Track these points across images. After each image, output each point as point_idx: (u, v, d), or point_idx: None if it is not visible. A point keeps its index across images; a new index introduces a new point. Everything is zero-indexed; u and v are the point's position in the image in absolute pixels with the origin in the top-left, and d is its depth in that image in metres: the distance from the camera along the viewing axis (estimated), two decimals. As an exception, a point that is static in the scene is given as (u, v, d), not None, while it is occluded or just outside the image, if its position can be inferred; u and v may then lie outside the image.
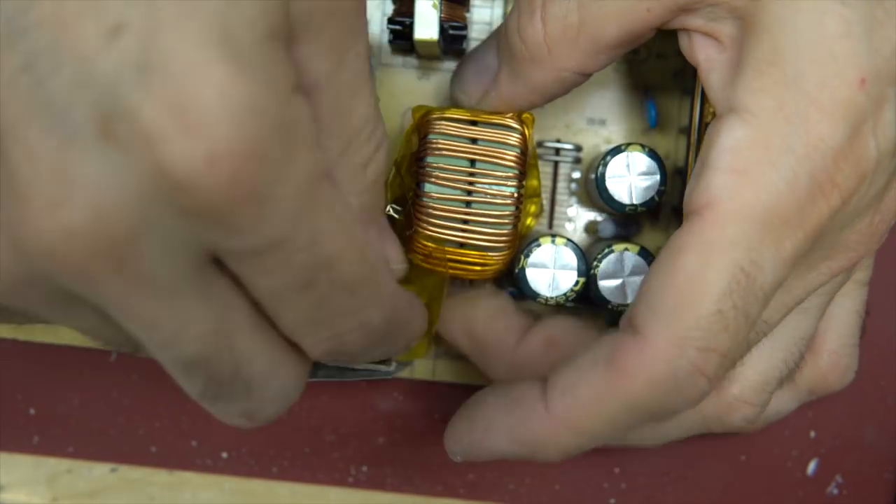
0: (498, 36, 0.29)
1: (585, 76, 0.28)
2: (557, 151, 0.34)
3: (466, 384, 0.36)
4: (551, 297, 0.31)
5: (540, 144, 0.34)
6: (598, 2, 0.26)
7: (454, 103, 0.30)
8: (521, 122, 0.29)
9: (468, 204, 0.29)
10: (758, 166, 0.23)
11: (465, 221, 0.29)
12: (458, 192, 0.29)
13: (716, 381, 0.24)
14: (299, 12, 0.21)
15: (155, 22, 0.18)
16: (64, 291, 0.20)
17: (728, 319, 0.23)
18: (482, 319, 0.31)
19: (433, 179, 0.29)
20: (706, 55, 0.26)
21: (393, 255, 0.27)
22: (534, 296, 0.31)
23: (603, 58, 0.27)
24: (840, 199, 0.23)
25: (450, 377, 0.36)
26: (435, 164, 0.29)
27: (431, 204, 0.29)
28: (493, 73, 0.29)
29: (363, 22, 0.24)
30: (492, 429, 0.27)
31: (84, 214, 0.19)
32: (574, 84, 0.28)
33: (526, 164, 0.29)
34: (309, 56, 0.22)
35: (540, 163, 0.34)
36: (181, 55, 0.18)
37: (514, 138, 0.29)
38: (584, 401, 0.25)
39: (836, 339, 0.30)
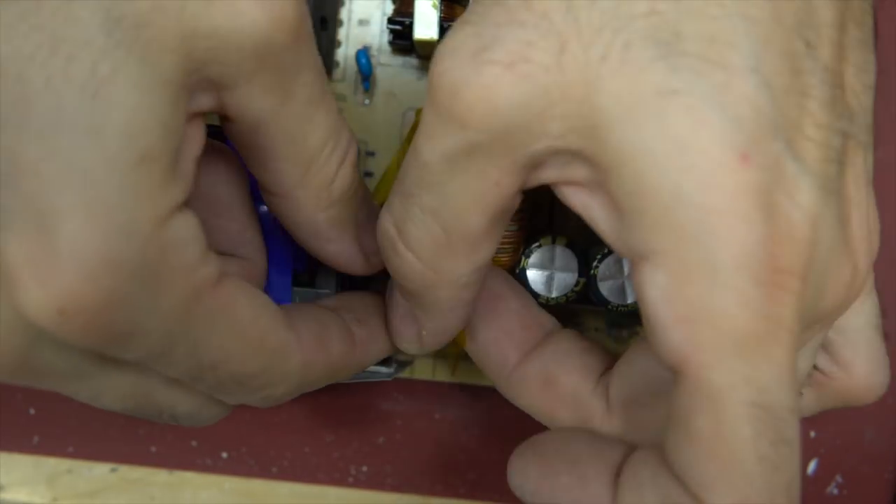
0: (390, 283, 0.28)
1: (485, 265, 0.25)
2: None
3: (466, 384, 0.36)
4: (552, 298, 0.31)
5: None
6: (447, 203, 0.23)
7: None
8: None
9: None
10: (699, 302, 0.20)
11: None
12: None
13: None
14: (221, 73, 0.21)
15: (16, 167, 0.19)
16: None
17: (774, 457, 0.21)
18: (486, 326, 0.29)
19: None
20: (580, 202, 0.22)
21: (363, 254, 0.27)
22: (534, 296, 0.31)
23: (487, 244, 0.24)
24: (800, 278, 0.21)
25: (450, 377, 0.36)
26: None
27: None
28: (412, 314, 0.27)
29: (306, 54, 0.23)
30: (557, 490, 0.26)
31: None
32: (482, 275, 0.25)
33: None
34: (248, 98, 0.22)
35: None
36: (40, 202, 0.19)
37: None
38: None
39: (865, 363, 0.28)
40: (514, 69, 0.20)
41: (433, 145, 0.22)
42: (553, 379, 0.28)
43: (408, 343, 0.28)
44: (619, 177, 0.21)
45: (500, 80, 0.21)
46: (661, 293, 0.21)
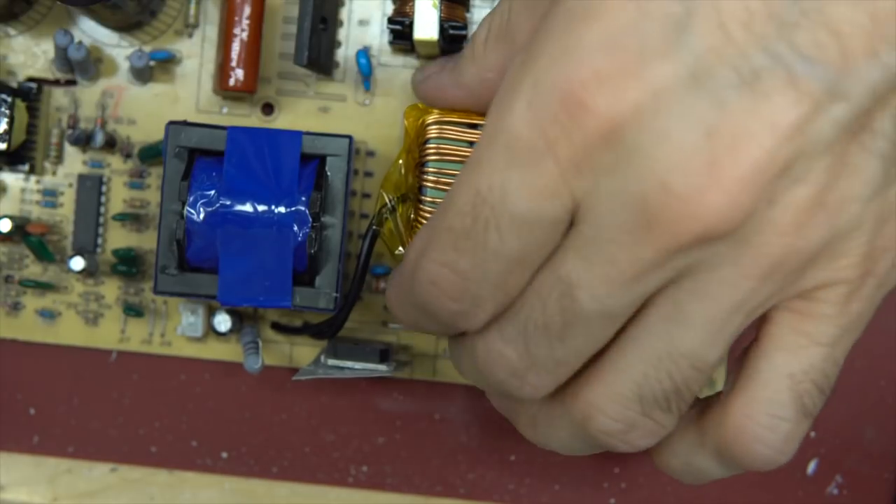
0: None
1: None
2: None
3: (466, 384, 0.36)
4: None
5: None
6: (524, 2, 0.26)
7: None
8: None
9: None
10: (504, 92, 0.24)
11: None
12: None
13: (458, 298, 0.24)
14: None
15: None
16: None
17: (458, 238, 0.24)
18: None
19: (435, 184, 0.29)
20: None
21: None
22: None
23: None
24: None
25: (450, 377, 0.36)
26: (436, 170, 0.29)
27: (434, 209, 0.29)
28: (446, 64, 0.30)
29: None
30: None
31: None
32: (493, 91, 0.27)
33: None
34: None
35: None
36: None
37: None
38: None
39: (750, 402, 0.25)
40: None
41: None
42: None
43: (416, 71, 0.32)
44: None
45: None
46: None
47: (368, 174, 0.35)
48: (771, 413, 0.25)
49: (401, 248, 0.30)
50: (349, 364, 0.33)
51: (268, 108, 0.35)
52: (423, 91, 0.30)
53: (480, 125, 0.29)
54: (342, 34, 0.35)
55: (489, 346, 0.25)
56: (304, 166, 0.30)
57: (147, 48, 0.35)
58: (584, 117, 0.22)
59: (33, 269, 0.36)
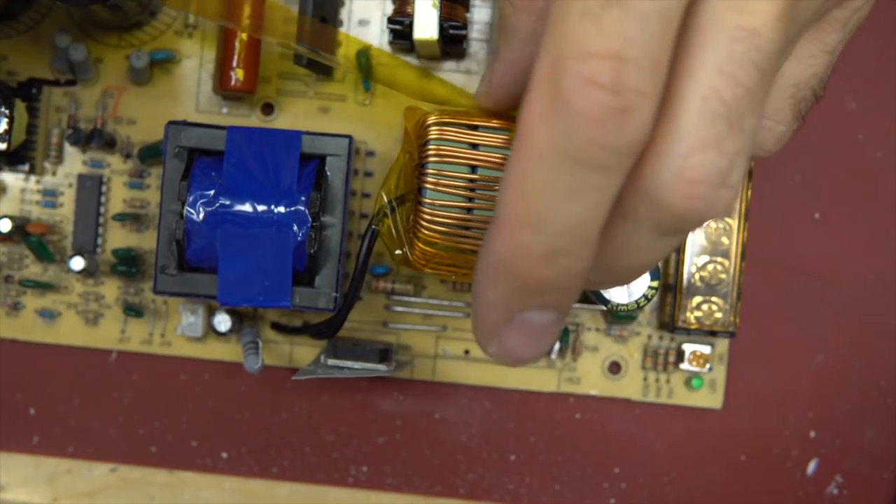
0: None
1: None
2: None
3: (466, 384, 0.36)
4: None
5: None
6: None
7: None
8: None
9: (470, 210, 0.29)
10: None
11: (467, 227, 0.29)
12: (460, 198, 0.29)
13: (625, 93, 0.19)
14: None
15: None
16: None
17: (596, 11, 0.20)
18: None
19: (434, 186, 0.29)
20: None
21: None
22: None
23: None
24: None
25: (450, 377, 0.36)
26: (436, 171, 0.29)
27: (433, 210, 0.29)
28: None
29: None
30: None
31: None
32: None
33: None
34: None
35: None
36: None
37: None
38: None
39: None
40: None
41: None
42: None
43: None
44: None
45: None
46: None
47: (368, 174, 0.35)
48: (772, 118, 0.27)
49: (399, 251, 0.30)
50: (349, 364, 0.33)
51: (268, 108, 0.35)
52: (481, 96, 0.29)
53: (480, 126, 0.29)
54: (342, 34, 0.35)
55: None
56: (303, 166, 0.30)
57: (147, 48, 0.35)
58: None
59: (33, 269, 0.36)
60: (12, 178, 0.36)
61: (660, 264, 0.31)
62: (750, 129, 0.20)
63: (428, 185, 0.29)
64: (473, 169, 0.29)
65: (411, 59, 0.35)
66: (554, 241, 0.20)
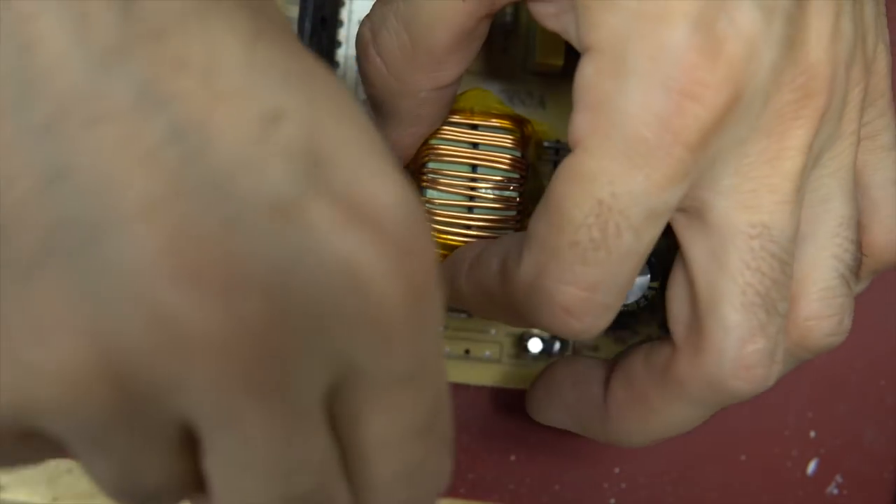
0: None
1: (447, 87, 0.27)
2: (557, 151, 0.34)
3: (466, 384, 0.36)
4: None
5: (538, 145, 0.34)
6: (417, 14, 0.25)
7: None
8: (523, 125, 0.29)
9: (470, 209, 0.29)
10: (608, 98, 0.22)
11: (468, 227, 0.29)
12: (461, 197, 0.29)
13: (586, 318, 0.23)
14: None
15: (314, 114, 0.17)
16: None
17: (586, 251, 0.22)
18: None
19: (435, 185, 0.29)
20: (545, 12, 0.24)
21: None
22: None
23: (449, 65, 0.26)
24: (722, 92, 0.21)
25: (450, 377, 0.36)
26: (436, 170, 0.29)
27: (434, 210, 0.29)
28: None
29: None
30: (556, 404, 0.29)
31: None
32: (444, 99, 0.27)
33: (528, 167, 0.29)
34: None
35: (539, 163, 0.34)
36: (350, 156, 0.17)
37: (515, 141, 0.29)
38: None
39: (888, 220, 0.27)
40: None
41: None
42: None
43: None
44: None
45: None
46: (584, 81, 0.22)
47: (368, 174, 0.35)
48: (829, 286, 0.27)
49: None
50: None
51: (268, 108, 0.35)
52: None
53: (480, 126, 0.29)
54: (342, 34, 0.35)
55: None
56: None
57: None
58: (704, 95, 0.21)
59: (33, 269, 0.36)
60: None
61: (659, 265, 0.31)
62: (784, 310, 0.24)
63: (427, 185, 0.29)
64: (473, 168, 0.29)
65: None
66: None
